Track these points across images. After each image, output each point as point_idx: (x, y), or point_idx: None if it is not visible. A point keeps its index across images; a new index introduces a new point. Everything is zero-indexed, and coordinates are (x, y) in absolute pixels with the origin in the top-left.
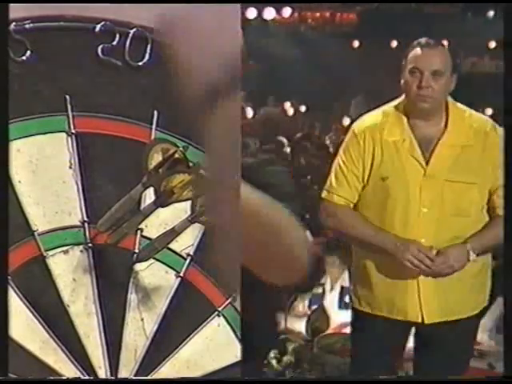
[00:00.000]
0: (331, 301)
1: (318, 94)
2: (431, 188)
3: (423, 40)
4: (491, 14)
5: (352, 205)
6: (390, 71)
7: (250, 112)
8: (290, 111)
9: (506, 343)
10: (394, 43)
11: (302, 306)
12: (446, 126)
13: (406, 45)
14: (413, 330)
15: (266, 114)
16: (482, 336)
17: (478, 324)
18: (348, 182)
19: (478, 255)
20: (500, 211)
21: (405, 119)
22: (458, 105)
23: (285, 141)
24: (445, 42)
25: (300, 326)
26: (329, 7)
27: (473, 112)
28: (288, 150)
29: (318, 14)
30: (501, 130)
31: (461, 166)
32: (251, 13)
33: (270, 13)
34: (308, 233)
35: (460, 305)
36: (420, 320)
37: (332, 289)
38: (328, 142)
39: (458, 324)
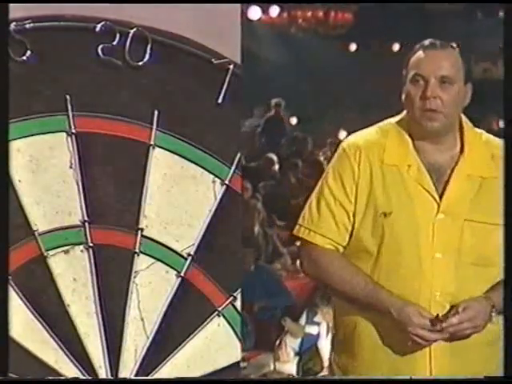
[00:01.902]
0: (326, 343)
1: (311, 104)
2: (447, 229)
3: (427, 41)
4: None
5: (341, 248)
6: (391, 78)
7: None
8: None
9: (505, 343)
10: (397, 46)
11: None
12: (461, 151)
13: (410, 48)
14: None
15: (250, 126)
16: None
17: None
18: (335, 218)
19: (499, 314)
20: None
21: (409, 140)
22: (477, 130)
23: (274, 158)
24: (454, 45)
25: (290, 367)
26: (322, 6)
27: (489, 136)
28: (277, 167)
29: (309, 14)
30: None
31: (483, 203)
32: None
33: (255, 12)
34: None
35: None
36: None
37: (328, 333)
38: (322, 158)
39: None
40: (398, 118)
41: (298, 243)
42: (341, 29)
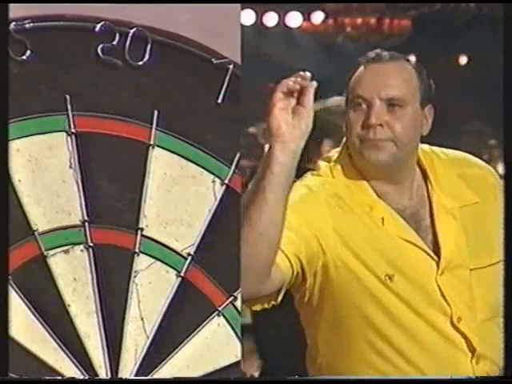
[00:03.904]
0: None
1: None
2: (453, 285)
3: (372, 53)
4: None
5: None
6: (456, 94)
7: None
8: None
9: (506, 343)
10: (464, 59)
11: None
12: (426, 183)
13: (481, 61)
14: None
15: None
16: None
17: None
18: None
19: None
20: None
21: (364, 182)
22: (435, 149)
23: None
24: (408, 57)
25: None
26: (374, 10)
27: (448, 152)
28: None
29: (359, 21)
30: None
31: (480, 241)
32: (271, 18)
33: (294, 19)
34: None
35: None
36: None
37: None
38: None
39: None
40: (334, 155)
41: None
42: (397, 38)
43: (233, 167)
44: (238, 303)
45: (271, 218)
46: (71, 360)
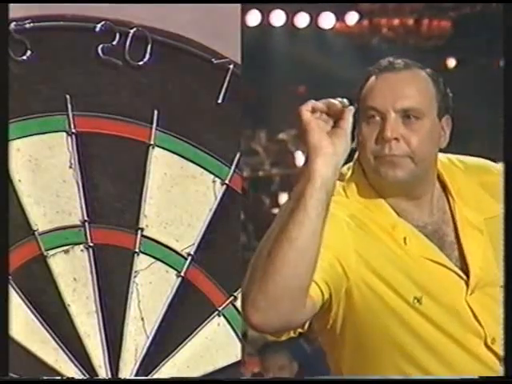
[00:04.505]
0: None
1: None
2: (485, 305)
3: (384, 61)
4: None
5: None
6: (497, 99)
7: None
8: None
9: (506, 343)
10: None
11: None
12: (446, 196)
13: None
14: None
15: None
16: None
17: None
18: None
19: None
20: None
21: (383, 200)
22: (451, 157)
23: None
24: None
25: None
26: (411, 9)
27: (467, 159)
28: None
29: (396, 22)
30: None
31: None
32: (303, 19)
33: (327, 19)
34: None
35: None
36: None
37: None
38: None
39: None
40: (347, 173)
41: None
42: (437, 40)
43: (233, 167)
44: (238, 303)
45: (313, 235)
46: (71, 360)
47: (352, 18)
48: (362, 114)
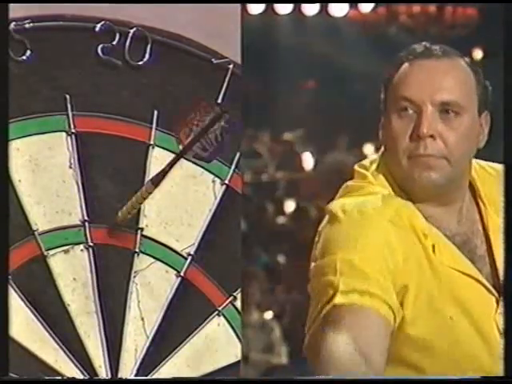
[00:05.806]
0: None
1: None
2: None
3: (419, 47)
4: None
5: (391, 314)
6: None
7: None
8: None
9: (505, 343)
10: None
11: None
12: (478, 204)
13: None
14: None
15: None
16: None
17: None
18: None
19: None
20: None
21: (409, 203)
22: (482, 164)
23: None
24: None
25: None
26: None
27: (492, 165)
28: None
29: (417, 9)
30: None
31: None
32: (312, 6)
33: (339, 6)
34: None
35: None
36: None
37: None
38: None
39: None
40: (371, 166)
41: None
42: (461, 29)
43: (233, 167)
44: (238, 303)
45: None
46: (71, 360)
47: (367, 4)
48: (391, 105)
